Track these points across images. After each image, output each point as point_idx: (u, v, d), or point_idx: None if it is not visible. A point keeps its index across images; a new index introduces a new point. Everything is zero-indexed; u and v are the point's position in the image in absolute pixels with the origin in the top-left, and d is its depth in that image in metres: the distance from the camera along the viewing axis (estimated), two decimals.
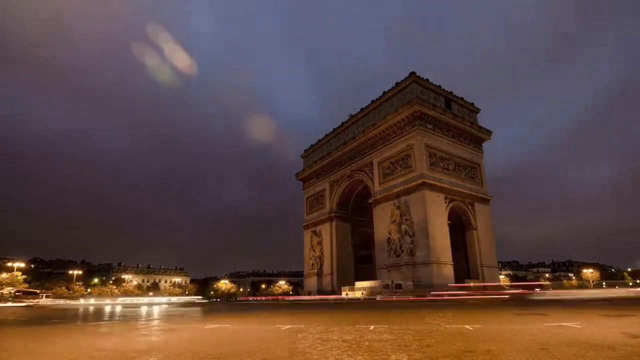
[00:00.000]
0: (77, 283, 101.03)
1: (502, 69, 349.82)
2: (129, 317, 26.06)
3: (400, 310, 27.69)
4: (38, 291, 71.12)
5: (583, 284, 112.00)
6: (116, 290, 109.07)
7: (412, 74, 66.36)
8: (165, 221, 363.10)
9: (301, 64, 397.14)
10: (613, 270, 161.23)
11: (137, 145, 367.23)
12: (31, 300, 58.51)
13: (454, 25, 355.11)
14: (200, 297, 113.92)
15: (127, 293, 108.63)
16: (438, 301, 41.80)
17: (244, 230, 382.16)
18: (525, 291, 64.44)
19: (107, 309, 43.86)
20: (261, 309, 36.38)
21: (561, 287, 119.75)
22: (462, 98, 72.28)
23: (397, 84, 68.80)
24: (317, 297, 70.36)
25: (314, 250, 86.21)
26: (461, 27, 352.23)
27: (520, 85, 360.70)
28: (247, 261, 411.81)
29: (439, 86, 68.89)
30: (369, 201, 71.18)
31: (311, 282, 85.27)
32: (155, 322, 20.95)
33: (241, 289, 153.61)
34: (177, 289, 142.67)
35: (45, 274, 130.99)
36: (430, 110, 63.99)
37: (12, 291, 63.01)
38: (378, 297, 54.06)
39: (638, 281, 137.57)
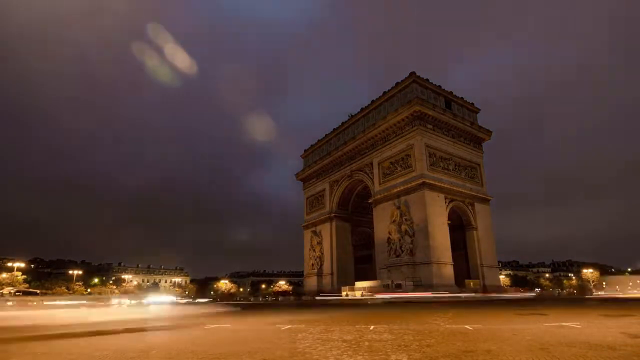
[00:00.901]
0: (77, 283, 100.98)
1: None
2: None
3: (401, 310, 27.70)
4: (38, 291, 71.14)
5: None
6: (116, 290, 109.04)
7: (412, 74, 66.35)
8: (166, 221, 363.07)
9: None
10: (613, 270, 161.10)
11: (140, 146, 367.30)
12: None
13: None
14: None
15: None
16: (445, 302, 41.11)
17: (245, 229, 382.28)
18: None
19: None
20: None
21: (561, 287, 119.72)
22: (462, 98, 72.29)
23: (397, 83, 68.78)
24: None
25: (314, 250, 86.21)
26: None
27: None
28: (247, 261, 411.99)
29: (439, 86, 68.89)
30: (369, 201, 71.18)
31: (311, 282, 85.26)
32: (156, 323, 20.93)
33: (241, 289, 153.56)
34: (177, 289, 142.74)
35: (45, 274, 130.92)
36: (430, 110, 63.98)
37: (12, 291, 62.99)
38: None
39: (638, 281, 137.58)
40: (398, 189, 63.11)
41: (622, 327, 12.48)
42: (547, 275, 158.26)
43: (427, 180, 59.58)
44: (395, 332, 12.31)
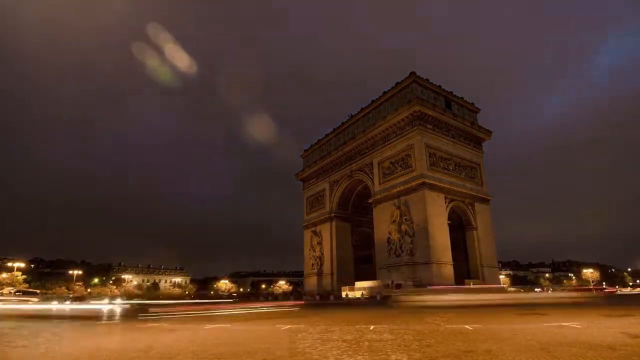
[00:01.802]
0: (77, 283, 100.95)
1: None
2: None
3: (401, 310, 27.70)
4: (38, 291, 71.15)
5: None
6: (116, 290, 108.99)
7: (412, 73, 66.32)
8: (166, 221, 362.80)
9: None
10: (613, 270, 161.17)
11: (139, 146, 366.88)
12: None
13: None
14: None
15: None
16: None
17: (244, 229, 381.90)
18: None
19: None
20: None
21: (562, 287, 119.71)
22: (462, 98, 72.27)
23: (397, 83, 68.75)
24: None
25: (314, 251, 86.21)
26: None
27: None
28: (247, 261, 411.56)
29: (439, 86, 68.87)
30: (369, 201, 71.15)
31: (311, 282, 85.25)
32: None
33: (241, 289, 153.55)
34: (177, 289, 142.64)
35: (45, 274, 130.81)
36: (430, 110, 63.96)
37: (12, 291, 63.01)
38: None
39: (638, 281, 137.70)
40: (398, 189, 63.09)
41: (622, 327, 12.48)
42: (547, 275, 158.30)
43: (427, 180, 59.57)
44: (395, 332, 12.32)
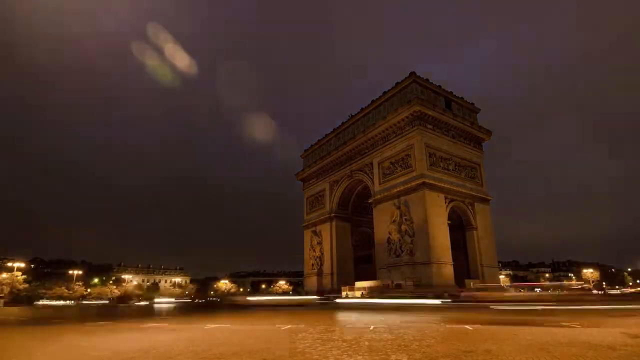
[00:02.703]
0: (77, 283, 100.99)
1: None
2: None
3: (402, 310, 27.71)
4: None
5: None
6: (116, 290, 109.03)
7: (412, 73, 66.31)
8: (166, 220, 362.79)
9: None
10: (613, 270, 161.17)
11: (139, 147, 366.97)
12: None
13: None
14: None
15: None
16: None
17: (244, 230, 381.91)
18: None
19: None
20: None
21: (562, 287, 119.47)
22: (462, 98, 72.25)
23: (397, 83, 68.73)
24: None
25: (314, 251, 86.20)
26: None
27: None
28: (247, 261, 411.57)
29: (439, 86, 68.86)
30: (369, 201, 71.13)
31: (311, 282, 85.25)
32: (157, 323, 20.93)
33: (241, 289, 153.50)
34: (177, 289, 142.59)
35: (45, 274, 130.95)
36: (430, 110, 63.95)
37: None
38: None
39: (638, 281, 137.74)
40: (398, 189, 63.09)
41: (622, 327, 12.48)
42: (547, 275, 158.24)
43: (427, 180, 59.56)
44: (395, 332, 12.31)
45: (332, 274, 79.71)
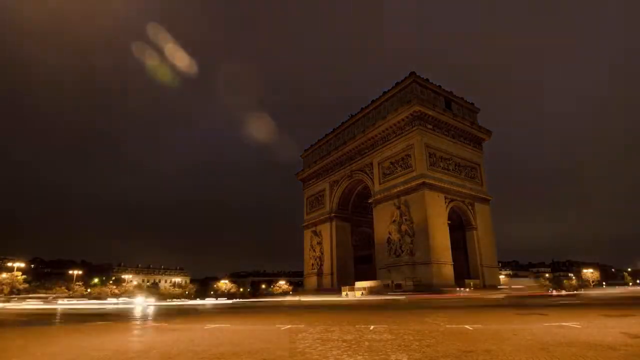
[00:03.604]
0: (77, 283, 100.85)
1: None
2: None
3: (401, 310, 27.70)
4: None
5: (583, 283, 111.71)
6: (116, 290, 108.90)
7: (412, 73, 66.31)
8: (167, 221, 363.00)
9: None
10: (613, 270, 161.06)
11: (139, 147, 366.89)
12: None
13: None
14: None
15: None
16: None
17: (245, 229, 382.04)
18: None
19: None
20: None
21: (561, 287, 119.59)
22: (462, 98, 72.26)
23: (397, 83, 68.74)
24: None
25: (314, 250, 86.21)
26: None
27: None
28: (247, 261, 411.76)
29: (439, 86, 68.87)
30: (369, 201, 71.16)
31: (311, 282, 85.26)
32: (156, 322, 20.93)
33: (241, 289, 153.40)
34: (177, 289, 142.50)
35: (45, 274, 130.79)
36: (430, 110, 63.96)
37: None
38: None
39: (638, 281, 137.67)
40: (398, 189, 63.08)
41: (623, 327, 12.47)
42: (547, 275, 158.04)
43: (427, 180, 59.57)
44: (395, 332, 12.31)
45: (332, 273, 79.71)
